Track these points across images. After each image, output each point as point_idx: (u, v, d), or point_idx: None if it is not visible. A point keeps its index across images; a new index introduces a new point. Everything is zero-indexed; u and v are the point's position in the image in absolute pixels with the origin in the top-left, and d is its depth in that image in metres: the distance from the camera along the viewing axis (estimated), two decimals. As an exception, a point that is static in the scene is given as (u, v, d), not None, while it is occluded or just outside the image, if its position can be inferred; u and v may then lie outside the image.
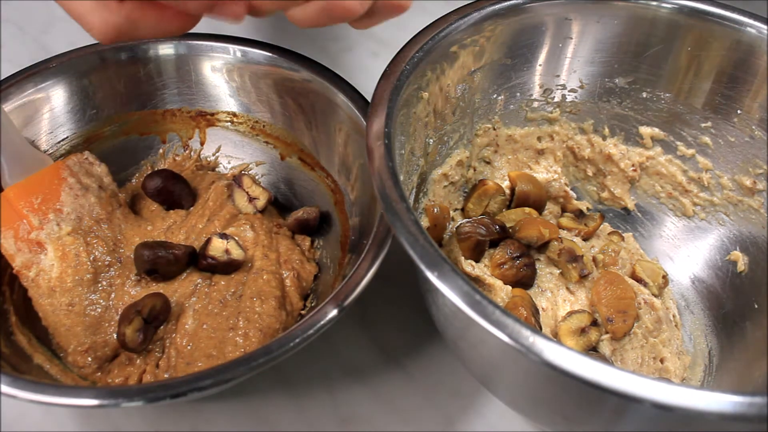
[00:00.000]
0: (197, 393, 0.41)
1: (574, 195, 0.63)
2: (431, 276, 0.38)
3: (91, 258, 0.54)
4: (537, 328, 0.44)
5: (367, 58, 0.81)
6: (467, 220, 0.56)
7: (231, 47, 0.60)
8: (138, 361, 0.52)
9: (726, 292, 0.56)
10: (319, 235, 0.61)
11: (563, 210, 0.63)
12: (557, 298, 0.55)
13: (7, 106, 0.56)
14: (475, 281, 0.53)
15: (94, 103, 0.60)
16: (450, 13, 0.53)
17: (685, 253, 0.60)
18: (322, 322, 0.44)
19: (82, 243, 0.54)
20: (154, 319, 0.52)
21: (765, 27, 0.52)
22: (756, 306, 0.54)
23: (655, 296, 0.56)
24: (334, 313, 0.44)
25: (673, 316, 0.57)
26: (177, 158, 0.64)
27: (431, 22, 0.52)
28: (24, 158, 0.54)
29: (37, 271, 0.53)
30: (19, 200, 0.53)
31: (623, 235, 0.61)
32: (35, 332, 0.53)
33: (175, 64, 0.61)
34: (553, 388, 0.41)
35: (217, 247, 0.54)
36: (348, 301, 0.45)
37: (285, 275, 0.56)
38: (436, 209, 0.55)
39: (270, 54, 0.59)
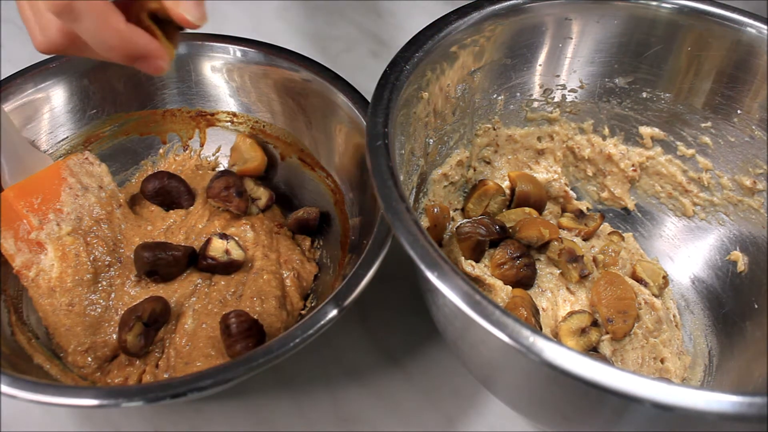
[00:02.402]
0: (197, 393, 0.41)
1: (574, 195, 0.63)
2: (431, 276, 0.38)
3: (91, 258, 0.54)
4: (537, 329, 0.44)
5: (367, 58, 0.81)
6: (467, 220, 0.56)
7: (231, 47, 0.60)
8: (138, 361, 0.52)
9: (726, 292, 0.56)
10: (319, 235, 0.61)
11: (563, 210, 0.63)
12: (557, 298, 0.55)
13: (7, 106, 0.56)
14: (475, 281, 0.53)
15: (94, 103, 0.60)
16: (450, 13, 0.53)
17: (685, 253, 0.60)
18: (322, 322, 0.44)
19: (82, 243, 0.54)
20: (154, 322, 0.52)
21: (765, 27, 0.52)
22: (756, 306, 0.53)
23: (656, 296, 0.56)
24: (334, 313, 0.44)
25: (674, 316, 0.57)
26: (177, 158, 0.64)
27: (431, 22, 0.52)
28: (24, 158, 0.54)
29: (37, 271, 0.53)
30: (19, 200, 0.53)
31: (623, 235, 0.61)
32: (35, 332, 0.53)
33: (175, 64, 0.61)
34: (553, 388, 0.41)
35: (217, 247, 0.54)
36: (348, 301, 0.45)
37: (285, 275, 0.56)
38: (436, 209, 0.55)
39: (270, 54, 0.59)
